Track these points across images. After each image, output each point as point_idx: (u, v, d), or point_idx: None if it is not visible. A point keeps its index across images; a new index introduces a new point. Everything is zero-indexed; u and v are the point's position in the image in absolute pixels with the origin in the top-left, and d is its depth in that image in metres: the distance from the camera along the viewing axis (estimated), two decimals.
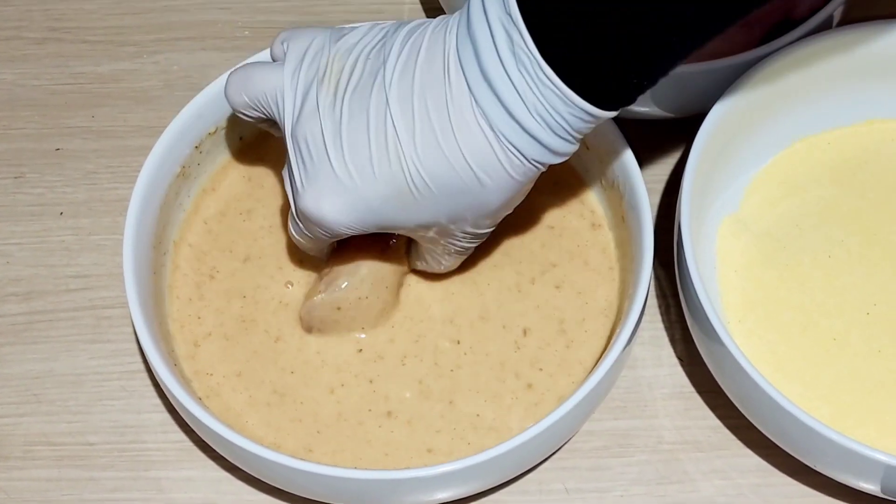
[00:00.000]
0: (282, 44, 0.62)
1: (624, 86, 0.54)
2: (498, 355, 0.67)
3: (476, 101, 0.55)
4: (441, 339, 0.68)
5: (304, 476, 0.60)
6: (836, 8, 0.73)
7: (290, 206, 0.61)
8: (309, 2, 0.85)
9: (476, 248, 0.65)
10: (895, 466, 0.60)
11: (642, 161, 0.76)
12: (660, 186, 0.78)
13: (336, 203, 0.58)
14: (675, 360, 0.72)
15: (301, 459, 0.60)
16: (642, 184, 0.66)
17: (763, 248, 0.72)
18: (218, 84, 0.69)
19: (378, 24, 0.60)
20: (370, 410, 0.66)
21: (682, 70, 0.70)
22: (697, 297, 0.63)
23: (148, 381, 0.71)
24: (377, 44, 0.59)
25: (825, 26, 0.73)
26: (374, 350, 0.68)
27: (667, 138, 0.79)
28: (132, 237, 0.65)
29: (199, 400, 0.64)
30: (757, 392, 0.62)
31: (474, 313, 0.69)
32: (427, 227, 0.60)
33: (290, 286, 0.69)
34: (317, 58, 0.60)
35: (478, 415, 0.66)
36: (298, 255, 0.70)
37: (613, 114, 0.56)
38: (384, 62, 0.57)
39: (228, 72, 0.67)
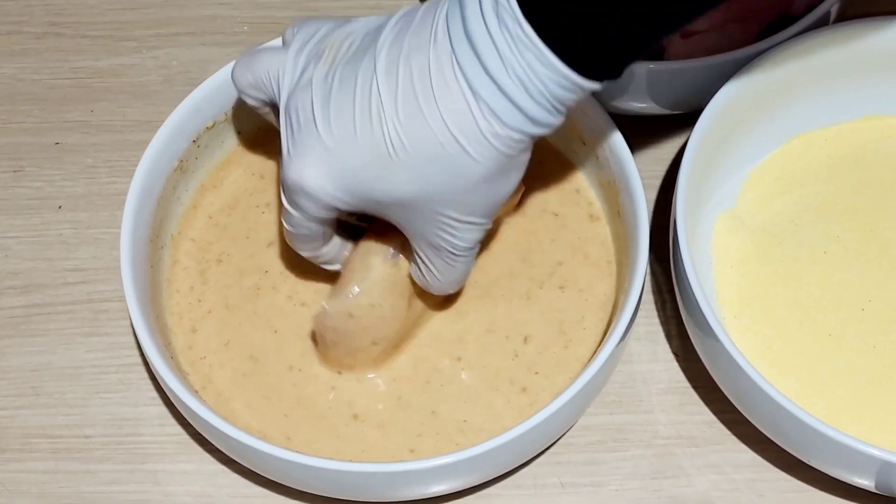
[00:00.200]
0: (292, 29, 0.62)
1: (604, 52, 0.54)
2: (494, 366, 0.68)
3: (457, 61, 0.54)
4: (443, 358, 0.68)
5: (297, 468, 0.60)
6: (833, 4, 0.73)
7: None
8: None
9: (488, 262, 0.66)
10: (889, 462, 0.60)
11: (639, 157, 0.76)
12: (657, 182, 0.78)
13: (319, 169, 0.58)
14: (671, 356, 0.72)
15: (295, 452, 0.60)
16: (638, 179, 0.66)
17: (759, 244, 0.72)
18: (215, 79, 0.70)
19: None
20: (331, 408, 0.67)
21: (679, 66, 0.71)
22: (693, 292, 0.63)
23: (145, 375, 0.72)
24: (380, 25, 0.59)
25: (822, 23, 0.73)
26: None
27: (664, 134, 0.79)
28: (129, 231, 0.66)
29: (195, 393, 0.65)
30: (752, 387, 0.62)
31: (482, 328, 0.69)
32: (412, 205, 0.59)
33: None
34: (321, 41, 0.60)
35: (465, 420, 0.66)
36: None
37: (596, 86, 0.55)
38: (379, 35, 0.57)
39: (227, 66, 0.68)
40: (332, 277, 0.67)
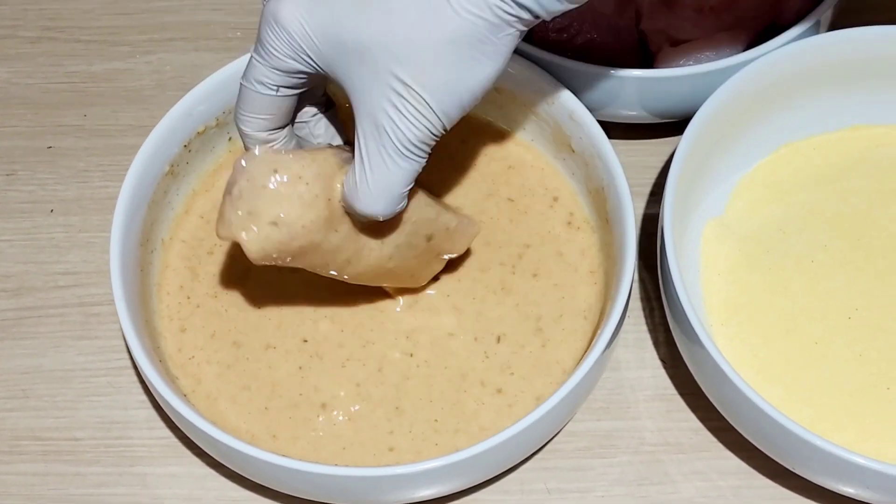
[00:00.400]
0: None
1: None
2: (459, 368, 0.68)
3: None
4: (392, 351, 0.68)
5: (282, 471, 0.61)
6: (822, 14, 0.74)
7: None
8: None
9: (459, 259, 0.65)
10: (874, 470, 0.60)
11: (629, 165, 0.76)
12: (646, 190, 0.78)
13: (298, 1, 0.57)
14: (659, 363, 0.72)
15: (282, 456, 0.61)
16: (626, 186, 0.67)
17: (747, 252, 0.72)
18: (207, 84, 0.70)
19: None
20: (301, 395, 0.67)
21: (669, 74, 0.71)
22: (679, 300, 0.64)
23: (135, 378, 0.72)
24: None
25: (811, 32, 0.73)
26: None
27: (654, 142, 0.80)
28: (119, 235, 0.66)
29: (183, 397, 0.65)
30: (737, 395, 0.62)
31: (443, 331, 0.69)
32: (372, 57, 0.56)
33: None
34: None
35: (436, 420, 0.66)
36: None
37: None
38: None
39: (218, 71, 0.69)
40: None
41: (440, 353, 0.68)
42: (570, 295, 0.70)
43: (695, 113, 0.69)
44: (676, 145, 0.68)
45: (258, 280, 0.70)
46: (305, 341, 0.69)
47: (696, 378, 0.67)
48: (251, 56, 0.59)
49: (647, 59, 0.77)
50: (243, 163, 0.60)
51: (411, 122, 0.57)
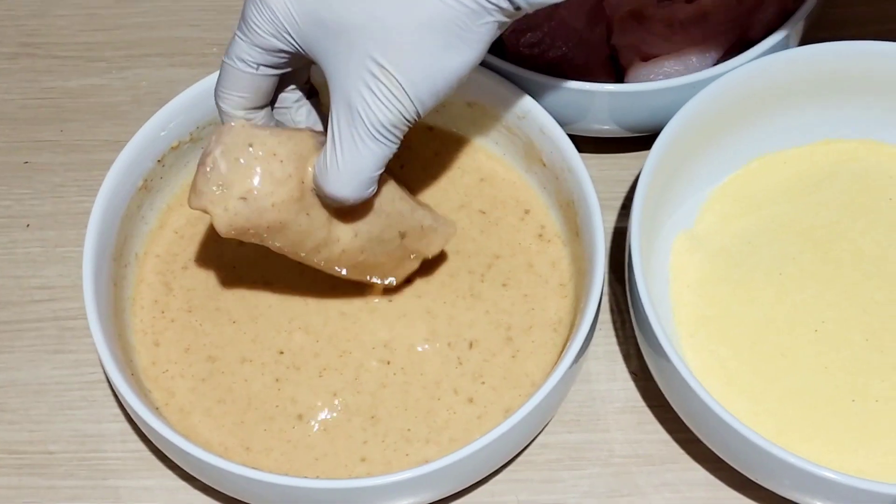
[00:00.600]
0: None
1: None
2: (433, 374, 0.68)
3: None
4: (369, 360, 0.69)
5: (250, 483, 0.61)
6: (792, 28, 0.74)
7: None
8: None
9: (430, 263, 0.66)
10: (840, 483, 0.61)
11: (601, 179, 0.77)
12: (617, 204, 0.78)
13: None
14: (629, 375, 0.73)
15: (253, 469, 0.61)
16: (595, 199, 0.67)
17: (716, 265, 0.73)
18: (180, 99, 0.71)
19: None
20: (277, 406, 0.68)
21: (639, 88, 0.72)
22: (646, 312, 0.64)
23: (108, 392, 0.72)
24: None
25: (781, 47, 0.74)
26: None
27: (626, 156, 0.80)
28: (92, 249, 0.66)
29: (155, 410, 0.66)
30: (702, 407, 0.63)
31: (418, 337, 0.70)
32: (349, 40, 0.56)
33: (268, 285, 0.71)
34: None
35: (409, 429, 0.67)
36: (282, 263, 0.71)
37: None
38: None
39: (191, 86, 0.70)
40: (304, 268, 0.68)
41: (416, 359, 0.69)
42: (541, 307, 0.70)
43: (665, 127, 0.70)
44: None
45: (233, 294, 0.71)
46: (281, 353, 0.69)
47: (662, 391, 0.67)
48: (234, 34, 0.60)
49: (618, 74, 0.78)
50: (219, 135, 0.60)
51: (384, 105, 0.57)
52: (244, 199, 0.60)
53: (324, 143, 0.61)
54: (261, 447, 0.66)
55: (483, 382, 0.68)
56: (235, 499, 0.66)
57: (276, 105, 0.65)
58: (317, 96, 0.66)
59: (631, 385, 0.73)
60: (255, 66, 0.60)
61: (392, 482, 0.61)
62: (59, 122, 0.82)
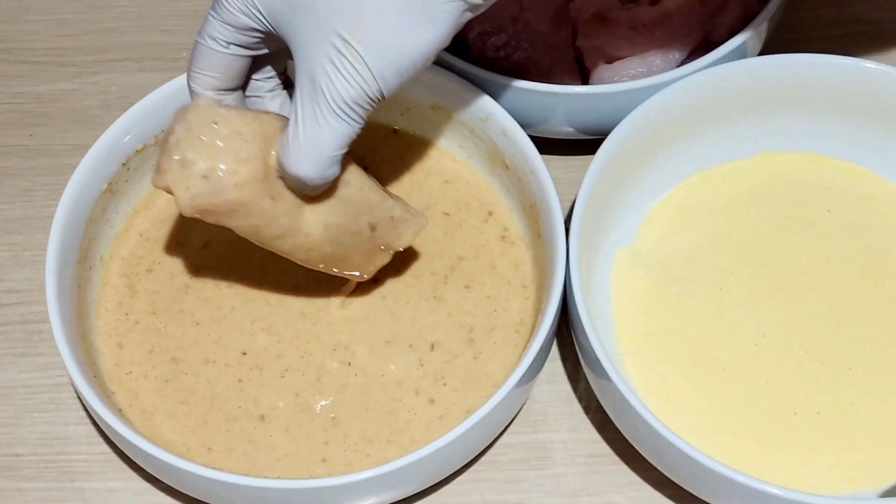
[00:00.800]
0: None
1: None
2: (395, 375, 0.69)
3: None
4: (331, 361, 0.69)
5: (210, 483, 0.61)
6: (755, 30, 0.74)
7: None
8: None
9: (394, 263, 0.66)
10: (783, 497, 0.60)
11: (566, 181, 0.78)
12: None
13: None
14: None
15: (215, 469, 0.61)
16: (556, 201, 0.68)
17: (657, 281, 0.73)
18: (145, 103, 0.71)
19: None
20: (240, 407, 0.68)
21: (599, 90, 0.72)
22: (585, 331, 0.64)
23: (75, 394, 0.73)
24: None
25: (741, 51, 0.74)
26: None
27: (592, 158, 0.80)
28: (55, 252, 0.67)
29: (118, 412, 0.66)
30: (644, 426, 0.62)
31: (380, 339, 0.70)
32: (317, 17, 0.57)
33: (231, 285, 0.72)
34: None
35: (370, 430, 0.67)
36: (248, 258, 0.72)
37: None
38: None
39: (155, 91, 0.70)
40: (269, 262, 0.68)
41: (377, 361, 0.69)
42: (503, 308, 0.70)
43: None
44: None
45: (197, 296, 0.71)
46: (244, 354, 0.70)
47: (606, 410, 0.67)
48: (208, 13, 0.61)
49: (584, 76, 0.78)
50: (183, 112, 0.60)
51: (346, 80, 0.57)
52: (206, 177, 0.59)
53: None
54: (223, 448, 0.67)
55: (445, 384, 0.68)
56: (201, 500, 0.67)
57: (250, 93, 0.65)
58: (292, 88, 0.66)
59: None
60: (226, 44, 0.61)
61: (352, 482, 0.61)
62: (29, 126, 0.83)
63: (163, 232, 0.73)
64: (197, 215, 0.61)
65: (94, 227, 0.70)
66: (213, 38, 0.61)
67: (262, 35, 0.61)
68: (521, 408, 0.71)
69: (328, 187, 0.62)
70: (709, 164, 0.76)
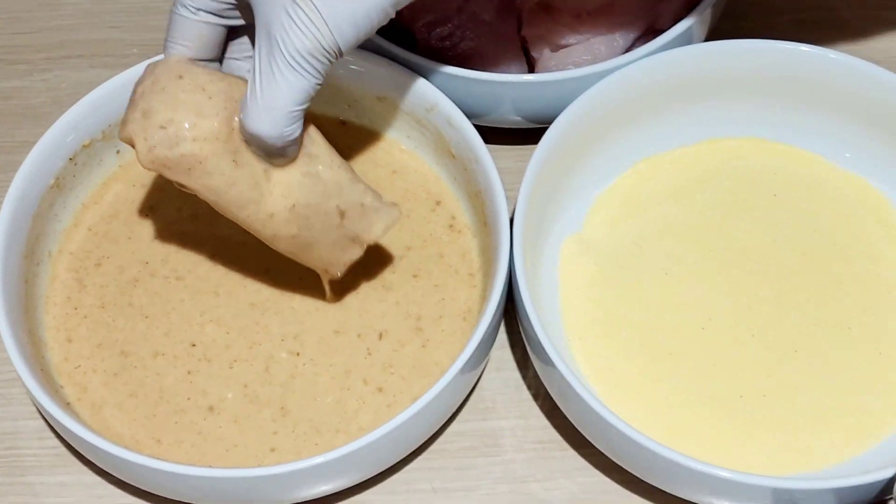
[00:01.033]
0: None
1: None
2: (343, 365, 0.69)
3: None
4: (279, 351, 0.70)
5: (157, 474, 0.62)
6: (699, 16, 0.75)
7: None
8: None
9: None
10: (731, 480, 0.61)
11: (513, 170, 0.78)
12: None
13: None
14: None
15: (162, 460, 0.62)
16: (501, 189, 0.68)
17: (604, 267, 0.73)
18: (91, 97, 0.72)
19: None
20: (189, 399, 0.68)
21: (542, 78, 0.72)
22: (529, 318, 0.64)
23: (25, 389, 0.73)
24: None
25: (685, 38, 0.75)
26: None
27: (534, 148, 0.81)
28: (1, 248, 0.67)
29: (66, 406, 0.66)
30: (591, 413, 0.63)
31: (328, 329, 0.70)
32: None
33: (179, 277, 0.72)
34: None
35: (319, 419, 0.68)
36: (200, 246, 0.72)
37: None
38: None
39: (101, 85, 0.70)
40: (219, 255, 0.69)
41: (325, 350, 0.70)
42: (451, 297, 0.71)
43: None
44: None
45: (145, 289, 0.71)
46: (193, 345, 0.70)
47: (553, 398, 0.68)
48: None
49: (530, 65, 0.78)
50: (153, 66, 0.61)
51: (301, 31, 0.58)
52: (164, 127, 0.60)
53: None
54: (172, 439, 0.67)
55: (393, 372, 0.69)
56: (150, 493, 0.67)
57: (228, 56, 0.66)
58: None
59: None
60: (195, 10, 0.62)
61: (301, 469, 0.61)
62: None
63: (112, 226, 0.73)
64: (156, 169, 0.61)
65: (41, 223, 0.70)
66: (184, 5, 0.62)
67: (231, 2, 0.61)
68: (470, 395, 0.71)
69: (294, 156, 0.63)
70: (655, 150, 0.77)
